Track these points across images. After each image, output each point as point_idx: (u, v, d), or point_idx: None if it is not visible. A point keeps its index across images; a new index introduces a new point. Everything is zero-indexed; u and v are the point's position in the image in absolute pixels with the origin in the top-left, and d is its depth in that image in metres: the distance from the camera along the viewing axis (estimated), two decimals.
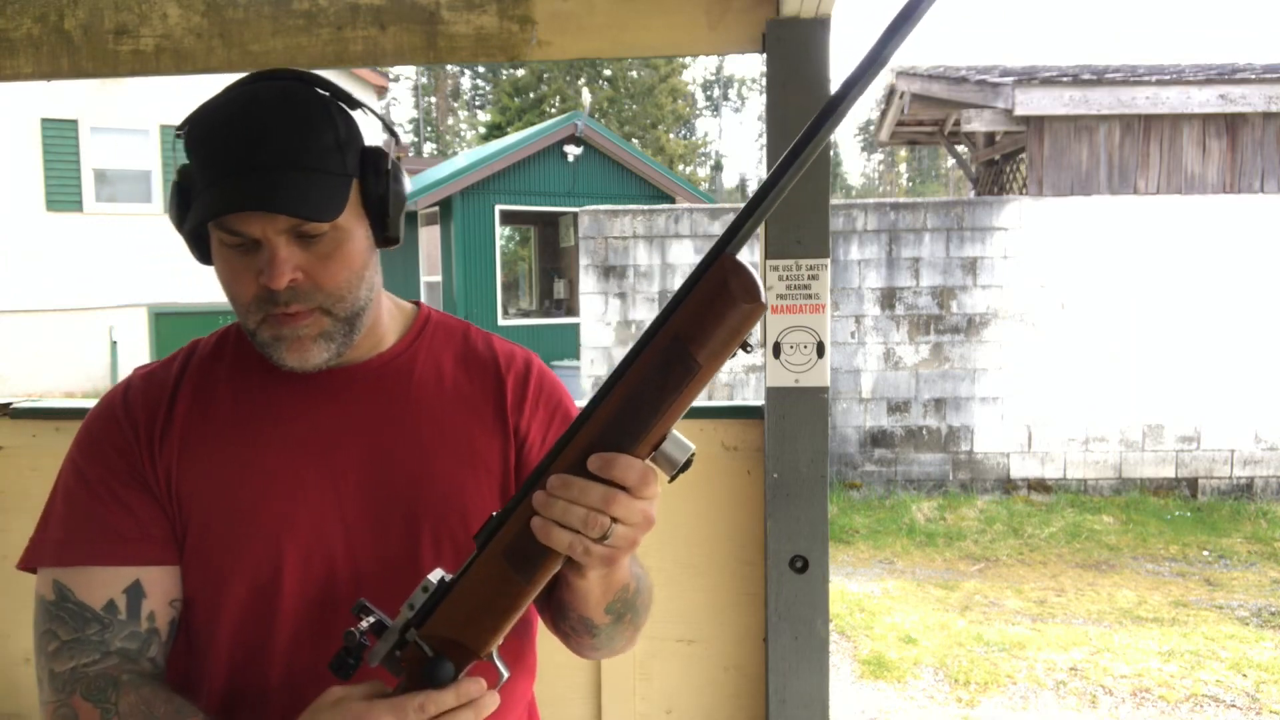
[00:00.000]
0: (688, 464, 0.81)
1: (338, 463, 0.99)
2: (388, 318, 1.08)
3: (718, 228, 7.54)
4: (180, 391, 1.03)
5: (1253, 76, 7.24)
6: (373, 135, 1.06)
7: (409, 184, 1.04)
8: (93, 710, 0.90)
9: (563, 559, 0.83)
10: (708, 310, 0.78)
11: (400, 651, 0.84)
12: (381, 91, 14.64)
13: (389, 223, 1.00)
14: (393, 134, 1.08)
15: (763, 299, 0.78)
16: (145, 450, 0.99)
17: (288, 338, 0.95)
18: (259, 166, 0.90)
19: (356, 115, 1.02)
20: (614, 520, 0.80)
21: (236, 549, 0.96)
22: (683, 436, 0.82)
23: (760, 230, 2.18)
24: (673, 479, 0.82)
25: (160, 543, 0.97)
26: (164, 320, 12.79)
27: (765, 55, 2.10)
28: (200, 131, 0.94)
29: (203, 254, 1.01)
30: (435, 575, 0.85)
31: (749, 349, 0.79)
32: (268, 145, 0.91)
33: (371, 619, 0.84)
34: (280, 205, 0.89)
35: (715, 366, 0.79)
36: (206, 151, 0.93)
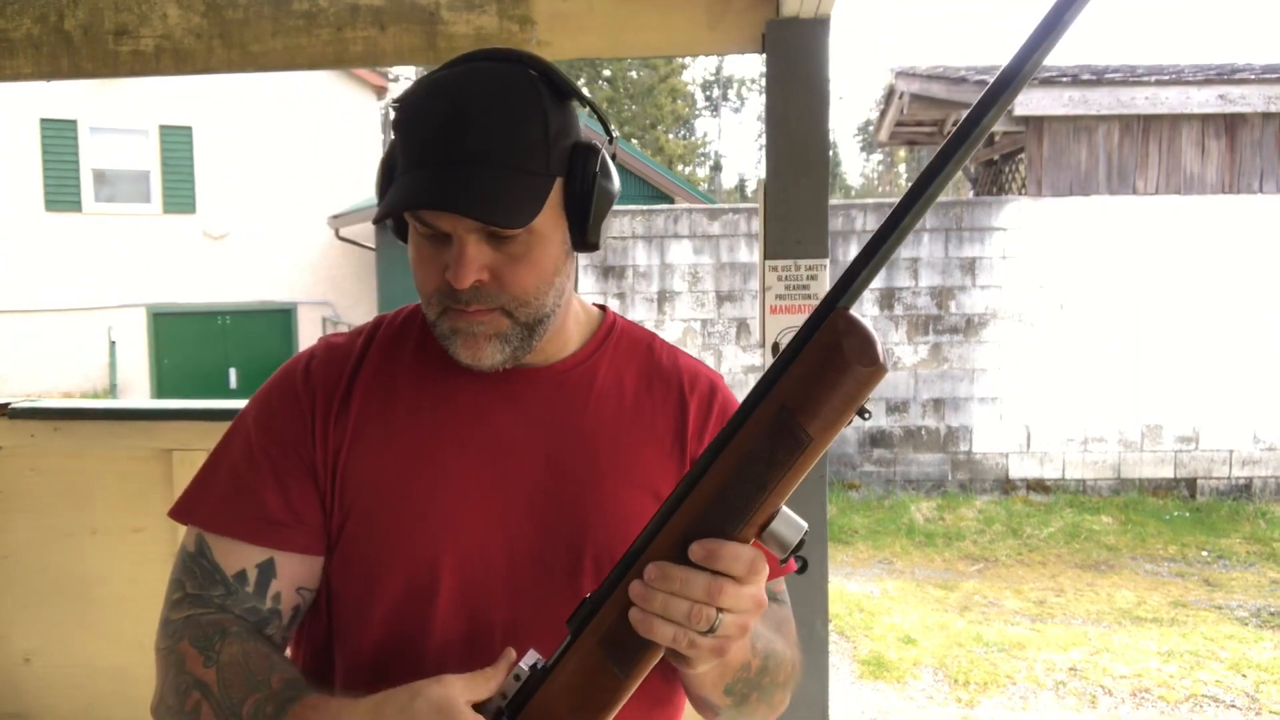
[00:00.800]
0: (801, 544, 0.74)
1: (510, 471, 0.95)
2: (573, 322, 1.03)
3: (717, 228, 7.55)
4: (363, 370, 1.00)
5: (1252, 77, 7.25)
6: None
7: (617, 184, 0.97)
8: (197, 656, 0.89)
9: (663, 649, 0.76)
10: (819, 376, 0.70)
11: None
12: (381, 92, 14.65)
13: (589, 227, 0.94)
14: (608, 130, 1.00)
15: (882, 361, 0.70)
16: (319, 427, 0.96)
17: (463, 332, 0.91)
18: (455, 160, 0.85)
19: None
20: (721, 610, 0.74)
21: (398, 543, 0.93)
22: (794, 514, 0.75)
23: (760, 230, 2.18)
24: (783, 561, 0.75)
25: (307, 531, 0.95)
26: (163, 320, 12.79)
27: (765, 55, 2.10)
28: (409, 112, 0.90)
29: (400, 231, 0.97)
30: (529, 660, 0.79)
31: (866, 416, 0.72)
32: (468, 138, 0.86)
33: (534, 660, 0.79)
34: (468, 207, 0.84)
35: (829, 438, 0.71)
36: (409, 135, 0.89)
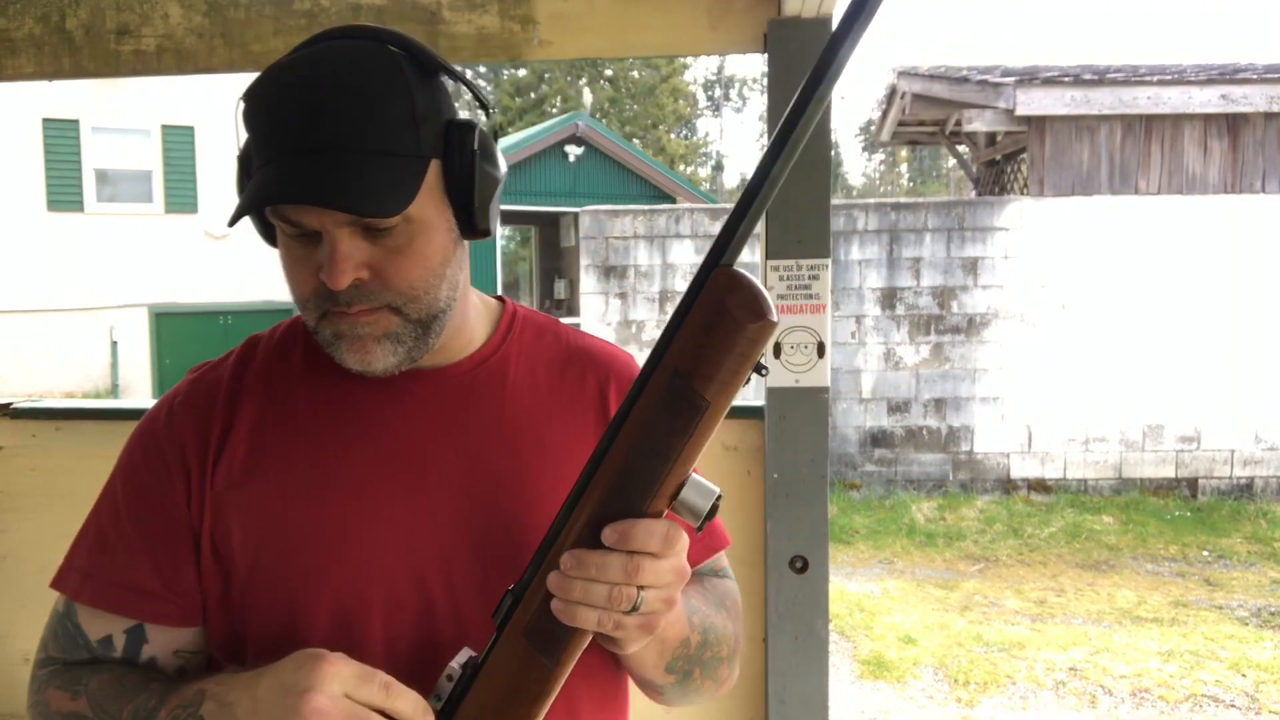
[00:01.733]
0: (714, 509, 0.72)
1: (432, 484, 0.87)
2: (475, 315, 0.95)
3: (718, 228, 7.52)
4: (242, 400, 0.90)
5: (1254, 76, 7.24)
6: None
7: (502, 163, 0.89)
8: (63, 694, 0.84)
9: (591, 634, 0.75)
10: (708, 338, 0.68)
11: None
12: None
13: (476, 211, 0.85)
14: (484, 106, 0.92)
15: (771, 315, 0.68)
16: (194, 479, 0.88)
17: (348, 335, 0.83)
18: (315, 148, 0.77)
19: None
20: (642, 588, 0.72)
21: (319, 586, 0.85)
22: (704, 480, 0.73)
23: (761, 230, 2.18)
24: (700, 528, 0.73)
25: (180, 604, 0.88)
26: (164, 320, 12.80)
27: (766, 55, 2.10)
28: (257, 102, 0.81)
29: (268, 234, 0.87)
30: (460, 658, 0.77)
31: (764, 371, 0.71)
32: (326, 122, 0.78)
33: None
34: (332, 198, 0.77)
35: (727, 399, 0.70)
36: (259, 126, 0.81)
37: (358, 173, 0.77)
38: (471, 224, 0.86)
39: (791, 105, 0.65)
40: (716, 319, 0.68)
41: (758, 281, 0.70)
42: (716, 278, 0.69)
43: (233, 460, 0.88)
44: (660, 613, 0.75)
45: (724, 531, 1.07)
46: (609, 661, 0.91)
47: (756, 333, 0.68)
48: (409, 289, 0.83)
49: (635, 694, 1.02)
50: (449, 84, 0.89)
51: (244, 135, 0.85)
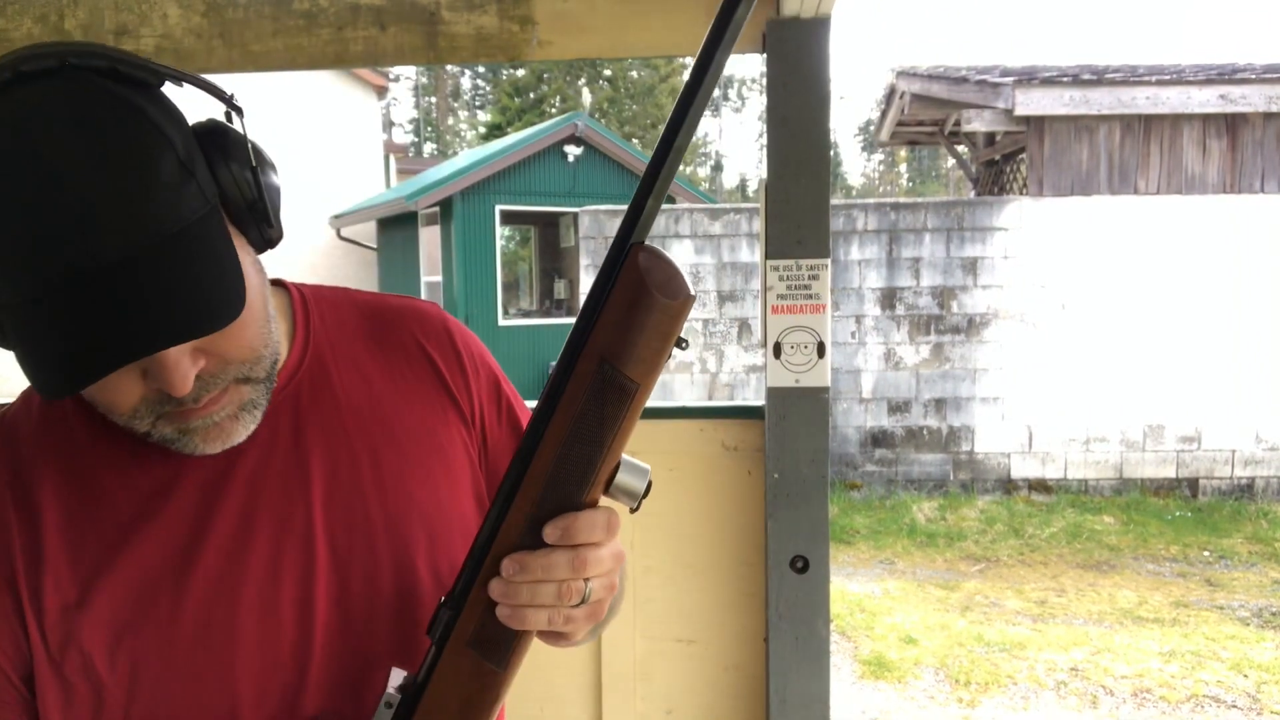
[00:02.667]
0: (649, 488, 0.71)
1: (296, 518, 0.77)
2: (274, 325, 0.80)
3: (718, 227, 7.55)
4: (28, 500, 0.73)
5: (1253, 76, 7.24)
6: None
7: (267, 155, 0.77)
8: None
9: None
10: (630, 320, 0.66)
11: None
12: (382, 92, 14.65)
13: (273, 229, 0.75)
14: (223, 97, 0.73)
15: (689, 290, 0.66)
16: (3, 597, 0.73)
17: (199, 429, 0.71)
18: (102, 268, 0.58)
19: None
20: (588, 579, 0.70)
21: (221, 671, 0.75)
22: (635, 460, 0.71)
23: (761, 230, 2.18)
24: (635, 510, 0.71)
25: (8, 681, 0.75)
26: None
27: (765, 55, 2.10)
28: None
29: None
30: (396, 680, 0.72)
31: (684, 345, 0.68)
32: (101, 230, 0.58)
33: None
34: (176, 335, 0.61)
35: (654, 379, 0.68)
36: None
37: (174, 277, 0.61)
38: (265, 239, 0.75)
39: (694, 66, 0.61)
40: (638, 299, 0.66)
41: (671, 257, 0.68)
42: (633, 257, 0.66)
43: (56, 580, 0.72)
44: (605, 598, 0.73)
45: None
46: None
47: (679, 309, 0.66)
48: (251, 354, 0.72)
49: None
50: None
51: None
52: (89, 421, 0.75)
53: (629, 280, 0.66)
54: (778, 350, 2.13)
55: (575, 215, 9.06)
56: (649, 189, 0.63)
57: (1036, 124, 7.35)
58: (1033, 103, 7.27)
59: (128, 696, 0.73)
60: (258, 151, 0.72)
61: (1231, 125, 7.29)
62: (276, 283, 0.87)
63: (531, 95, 30.64)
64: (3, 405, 0.86)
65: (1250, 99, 7.19)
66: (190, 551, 0.74)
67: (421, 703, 0.72)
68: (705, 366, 7.54)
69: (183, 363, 0.65)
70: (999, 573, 5.79)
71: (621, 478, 0.70)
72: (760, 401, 2.23)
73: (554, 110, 28.16)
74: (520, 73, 30.78)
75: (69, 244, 0.58)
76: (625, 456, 0.71)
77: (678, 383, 7.50)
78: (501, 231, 14.44)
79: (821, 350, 2.13)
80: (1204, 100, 7.20)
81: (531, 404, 0.81)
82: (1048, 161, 7.34)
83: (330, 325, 0.85)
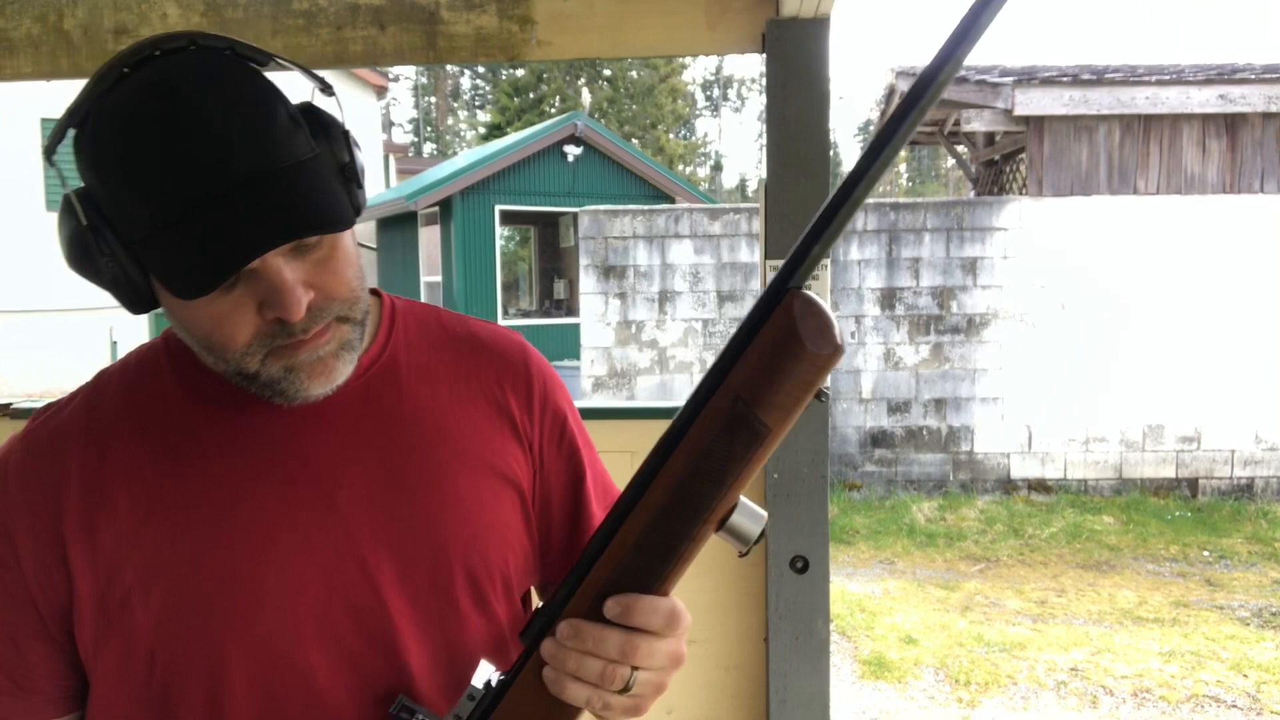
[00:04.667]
0: (763, 535, 0.70)
1: (341, 496, 0.81)
2: None
3: (718, 228, 7.55)
4: (105, 443, 0.80)
5: (1252, 76, 7.24)
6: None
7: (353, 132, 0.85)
8: None
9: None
10: (774, 364, 0.65)
11: None
12: (381, 91, 14.64)
13: (359, 195, 0.81)
14: (319, 80, 0.84)
15: (841, 342, 0.65)
16: (48, 547, 0.78)
17: (305, 364, 0.77)
18: (239, 186, 0.69)
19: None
20: (636, 669, 0.70)
21: (240, 624, 0.78)
22: (753, 505, 0.70)
23: (760, 230, 2.18)
24: (744, 555, 0.70)
25: (35, 699, 0.81)
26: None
27: (765, 55, 2.10)
28: (116, 152, 0.70)
29: (137, 301, 0.78)
30: (482, 677, 0.73)
31: (824, 398, 0.68)
32: (235, 153, 0.69)
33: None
34: (302, 227, 0.70)
35: (787, 427, 0.67)
36: (144, 183, 0.69)
37: (296, 198, 0.71)
38: (355, 206, 0.81)
39: (890, 116, 0.60)
40: (786, 344, 0.65)
41: (828, 306, 0.67)
42: (789, 302, 0.65)
43: (114, 512, 0.78)
44: (649, 697, 0.73)
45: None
46: None
47: (826, 361, 0.65)
48: (349, 293, 0.79)
49: None
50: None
51: (91, 179, 0.73)
52: (178, 382, 0.83)
53: (780, 324, 0.65)
54: None
55: (575, 215, 9.06)
56: (817, 235, 0.63)
57: (1036, 124, 7.35)
58: (1032, 103, 7.27)
59: (153, 638, 0.77)
60: (345, 129, 0.81)
61: (1231, 125, 7.29)
62: (373, 291, 0.92)
63: (531, 95, 30.64)
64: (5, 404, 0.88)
65: (1250, 99, 7.19)
66: (230, 509, 0.79)
67: (502, 703, 0.73)
68: (705, 366, 7.53)
69: (297, 288, 0.73)
70: (999, 573, 5.79)
71: (736, 519, 0.69)
72: None
73: (554, 110, 28.16)
74: (520, 73, 30.78)
75: (210, 167, 0.68)
76: (744, 500, 0.70)
77: (677, 383, 7.50)
78: (501, 231, 14.44)
79: None
80: (1204, 100, 7.20)
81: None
82: (1047, 161, 7.34)
83: (412, 334, 0.91)
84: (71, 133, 0.74)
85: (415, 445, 0.85)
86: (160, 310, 0.79)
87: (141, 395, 0.83)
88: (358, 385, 0.85)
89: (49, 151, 0.77)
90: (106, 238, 0.73)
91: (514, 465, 0.89)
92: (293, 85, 0.88)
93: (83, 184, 0.74)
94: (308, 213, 0.71)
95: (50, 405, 0.85)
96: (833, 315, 0.66)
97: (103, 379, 0.87)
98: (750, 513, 0.70)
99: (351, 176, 0.79)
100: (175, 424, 0.81)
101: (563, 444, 0.94)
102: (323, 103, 0.83)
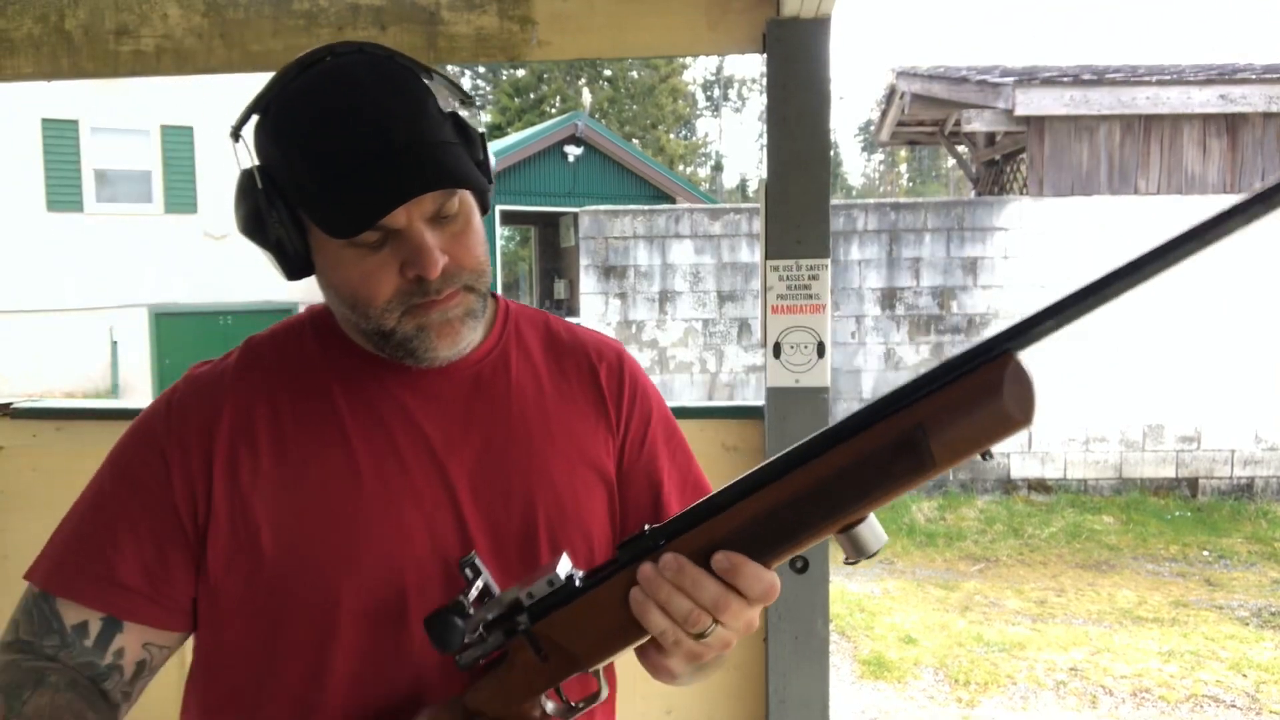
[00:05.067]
0: (874, 554, 0.73)
1: (450, 464, 0.91)
2: None
3: (718, 228, 7.55)
4: (255, 394, 0.92)
5: (1253, 76, 7.24)
6: None
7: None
8: (1, 703, 0.82)
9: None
10: (968, 410, 0.67)
11: (495, 634, 0.78)
12: None
13: (489, 193, 0.93)
14: (469, 100, 0.97)
15: (1033, 416, 0.68)
16: (198, 474, 0.88)
17: (436, 323, 0.87)
18: (398, 150, 0.82)
19: None
20: (717, 622, 0.74)
21: (348, 561, 0.87)
22: (879, 526, 0.73)
23: (761, 230, 2.18)
24: (850, 563, 0.75)
25: (166, 605, 0.89)
26: (164, 320, 12.79)
27: (765, 55, 2.10)
28: (297, 125, 0.85)
29: (294, 265, 0.90)
30: (564, 568, 0.77)
31: (989, 457, 0.70)
32: (396, 126, 0.83)
33: (480, 584, 0.79)
34: (444, 180, 0.82)
35: (946, 469, 0.69)
36: (320, 146, 0.83)
37: (440, 161, 0.84)
38: (485, 206, 0.93)
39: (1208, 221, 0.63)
40: (986, 400, 0.67)
41: (1037, 382, 0.68)
42: (1006, 361, 0.67)
43: (255, 455, 0.89)
44: (714, 651, 0.77)
45: None
46: None
47: (1015, 427, 0.67)
48: (477, 265, 0.89)
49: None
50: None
51: (270, 151, 0.87)
52: (321, 350, 0.95)
53: (990, 379, 0.67)
54: (778, 350, 2.14)
55: (575, 215, 9.05)
56: (1057, 312, 0.67)
57: (1036, 124, 7.35)
58: (1033, 103, 7.27)
59: (275, 571, 0.87)
60: (482, 133, 0.92)
61: (1231, 125, 7.29)
62: (491, 294, 1.02)
63: (531, 95, 30.62)
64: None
65: (1250, 99, 7.19)
66: (355, 463, 0.89)
67: (579, 601, 0.76)
68: (705, 366, 7.54)
69: (435, 250, 0.84)
70: (998, 573, 5.80)
71: (863, 530, 0.72)
72: (760, 401, 2.23)
73: (554, 110, 28.14)
74: (520, 73, 30.76)
75: (374, 135, 0.82)
76: (873, 516, 0.73)
77: (677, 383, 7.50)
78: (502, 231, 14.43)
79: (821, 350, 2.13)
80: (1204, 100, 7.20)
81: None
82: (1048, 161, 7.34)
83: (523, 333, 1.02)
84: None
85: (518, 431, 0.95)
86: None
87: (288, 359, 0.95)
88: (472, 373, 0.96)
89: (236, 130, 0.89)
90: (277, 204, 0.86)
91: (604, 459, 0.98)
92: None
93: (258, 162, 0.88)
94: (450, 173, 0.83)
95: (210, 361, 0.98)
96: (1038, 390, 0.68)
97: (254, 343, 0.98)
98: (875, 529, 0.73)
99: (485, 171, 0.91)
100: (315, 385, 0.93)
101: (645, 444, 1.02)
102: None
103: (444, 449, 0.91)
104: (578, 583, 0.77)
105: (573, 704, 0.81)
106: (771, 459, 0.74)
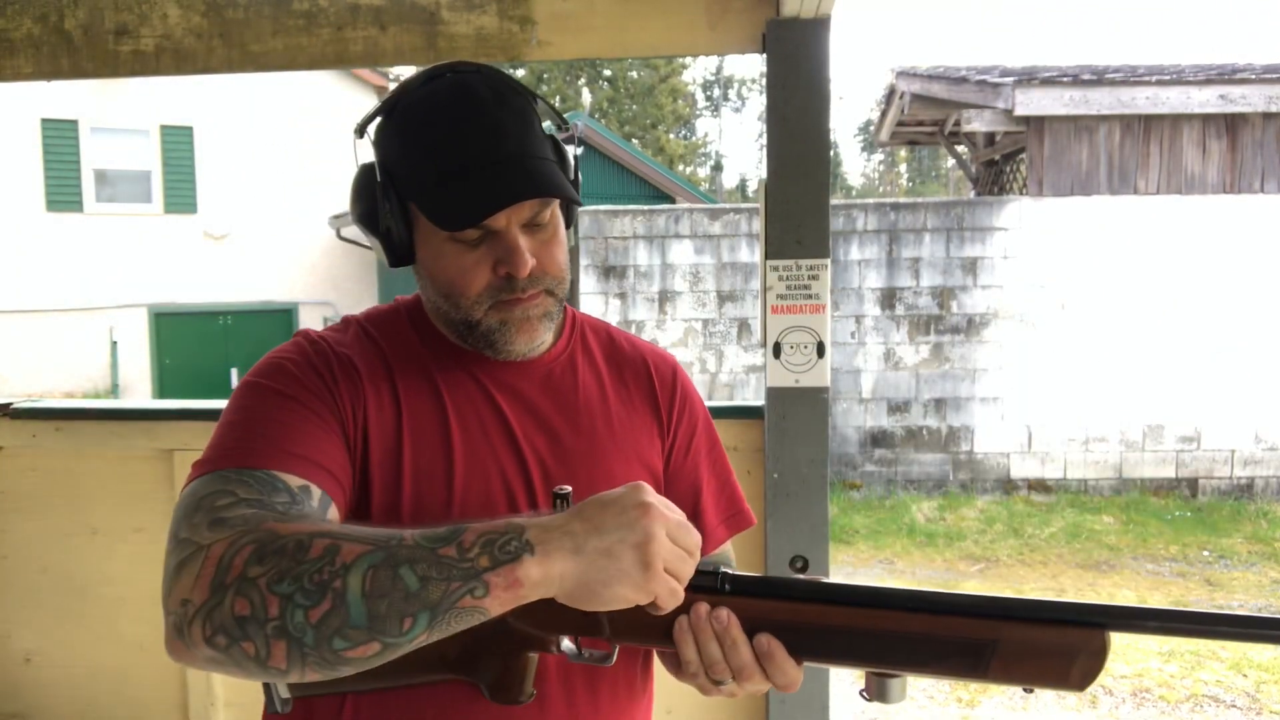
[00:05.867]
0: (890, 702, 0.81)
1: (526, 453, 1.00)
2: None
3: (718, 228, 7.55)
4: (379, 368, 0.99)
5: (1253, 76, 7.25)
6: None
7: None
8: (293, 526, 0.76)
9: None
10: (1039, 653, 0.74)
11: None
12: (381, 91, 14.64)
13: (575, 210, 1.04)
14: (565, 126, 1.10)
15: (1085, 687, 0.75)
16: (357, 402, 0.95)
17: (517, 319, 0.97)
18: (507, 159, 0.92)
19: None
20: (734, 679, 0.83)
21: (440, 521, 0.92)
22: (907, 686, 0.81)
23: (760, 230, 2.18)
24: (868, 699, 0.82)
25: (345, 494, 0.91)
26: (164, 320, 12.79)
27: (765, 55, 2.10)
28: (419, 128, 0.95)
29: (399, 253, 0.99)
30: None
31: (1030, 692, 0.78)
32: (508, 137, 0.93)
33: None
34: (543, 189, 0.92)
35: (991, 683, 0.77)
36: (438, 147, 0.93)
37: (542, 173, 0.94)
38: (569, 220, 1.04)
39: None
40: (1059, 658, 0.74)
41: (1105, 665, 0.75)
42: (1095, 636, 0.74)
43: (381, 412, 0.96)
44: (723, 695, 0.85)
45: (750, 513, 1.19)
46: (643, 671, 1.05)
47: (1066, 689, 0.74)
48: (559, 272, 0.99)
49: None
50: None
51: (390, 149, 0.97)
52: (419, 338, 1.03)
53: (1072, 642, 0.74)
54: (777, 350, 2.14)
55: (575, 215, 9.05)
56: (1158, 620, 0.75)
57: (1036, 124, 7.35)
58: (1033, 103, 7.27)
59: (380, 517, 0.92)
60: (577, 157, 1.03)
61: (1231, 125, 7.29)
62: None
63: None
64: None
65: (1250, 99, 7.19)
66: (449, 437, 0.98)
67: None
68: (705, 366, 7.54)
69: (526, 252, 0.93)
70: (999, 572, 5.80)
71: (894, 684, 0.80)
72: (760, 401, 2.23)
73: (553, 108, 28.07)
74: (520, 73, 30.79)
75: (487, 142, 0.93)
76: (907, 679, 0.80)
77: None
78: None
79: (821, 350, 2.13)
80: (1204, 100, 7.20)
81: None
82: (1048, 161, 7.34)
83: (588, 339, 1.11)
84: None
85: (583, 426, 1.04)
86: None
87: (391, 339, 1.03)
88: (544, 371, 1.05)
89: (361, 129, 0.99)
90: (390, 197, 0.95)
91: (655, 460, 1.08)
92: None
93: (375, 160, 0.97)
94: (550, 184, 0.93)
95: (317, 331, 1.03)
96: (1102, 673, 0.75)
97: (360, 321, 1.05)
98: (903, 687, 0.80)
99: (575, 189, 1.00)
100: (417, 364, 1.01)
101: (690, 452, 1.12)
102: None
103: (521, 435, 1.00)
104: None
105: (583, 653, 0.89)
106: (855, 584, 0.81)
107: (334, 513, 0.87)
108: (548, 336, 1.01)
